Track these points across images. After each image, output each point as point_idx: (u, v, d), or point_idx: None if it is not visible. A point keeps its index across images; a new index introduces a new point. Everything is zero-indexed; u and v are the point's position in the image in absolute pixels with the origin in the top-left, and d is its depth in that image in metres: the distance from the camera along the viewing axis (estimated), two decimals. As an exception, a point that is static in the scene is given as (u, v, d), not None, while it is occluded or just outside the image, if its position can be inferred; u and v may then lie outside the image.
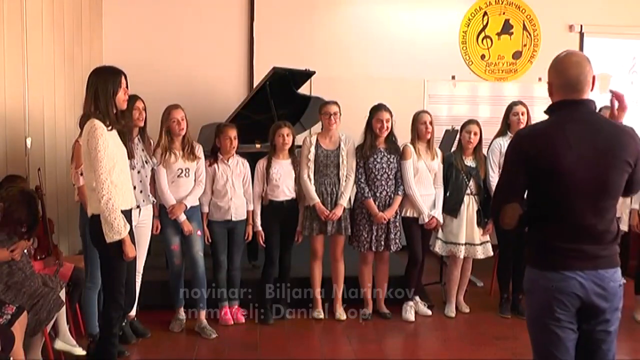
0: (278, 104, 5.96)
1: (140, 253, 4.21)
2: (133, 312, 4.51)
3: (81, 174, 3.87)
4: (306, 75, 6.29)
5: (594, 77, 2.51)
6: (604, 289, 2.47)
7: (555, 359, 2.53)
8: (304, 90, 6.48)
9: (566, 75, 2.49)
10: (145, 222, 4.37)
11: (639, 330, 5.02)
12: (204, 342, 4.59)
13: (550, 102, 2.60)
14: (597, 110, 5.76)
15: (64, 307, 3.96)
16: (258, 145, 5.76)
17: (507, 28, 7.81)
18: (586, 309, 2.48)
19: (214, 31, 7.24)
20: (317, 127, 5.54)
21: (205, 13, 7.23)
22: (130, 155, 3.95)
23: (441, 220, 5.11)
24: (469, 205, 5.16)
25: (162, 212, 4.62)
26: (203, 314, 4.77)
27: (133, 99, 4.16)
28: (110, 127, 3.42)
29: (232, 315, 4.93)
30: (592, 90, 2.53)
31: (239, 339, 4.70)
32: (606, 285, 2.47)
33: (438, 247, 5.26)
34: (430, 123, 5.08)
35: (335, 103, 5.02)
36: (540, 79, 7.80)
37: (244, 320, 4.95)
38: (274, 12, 7.32)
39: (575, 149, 2.41)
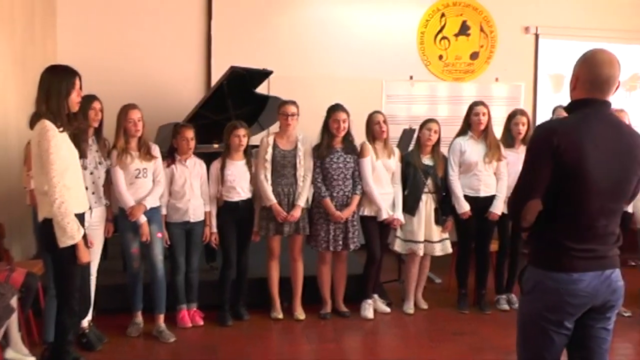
0: (236, 104, 5.93)
1: (93, 256, 4.12)
2: (89, 317, 4.42)
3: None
4: (264, 74, 6.27)
5: (618, 83, 2.48)
6: (611, 289, 2.48)
7: None
8: (261, 89, 6.45)
9: (597, 73, 2.43)
10: (97, 224, 4.29)
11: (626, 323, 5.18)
12: (162, 346, 4.54)
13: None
14: (553, 109, 5.91)
15: (15, 314, 3.86)
16: (216, 146, 5.71)
17: (464, 29, 7.90)
18: (592, 308, 2.48)
19: (172, 30, 7.16)
20: (275, 127, 5.52)
21: (162, 11, 7.14)
22: (83, 155, 3.88)
23: (402, 220, 5.16)
24: (427, 204, 5.23)
25: (120, 215, 4.54)
26: (161, 317, 4.70)
27: (90, 99, 4.10)
28: (61, 129, 3.35)
29: (191, 318, 4.88)
30: (613, 94, 2.49)
31: (197, 341, 4.66)
32: (614, 285, 2.49)
33: (397, 246, 5.31)
34: (384, 122, 5.12)
35: (294, 103, 5.01)
36: (497, 79, 7.95)
37: (202, 323, 4.91)
38: (232, 10, 7.27)
39: (600, 148, 2.38)
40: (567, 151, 2.35)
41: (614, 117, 2.54)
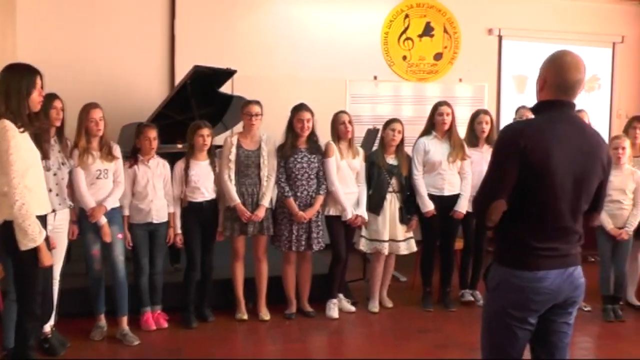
0: (200, 103, 5.89)
1: (57, 259, 4.07)
2: (52, 321, 4.32)
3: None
4: (227, 74, 6.24)
5: (584, 84, 2.53)
6: (573, 286, 2.53)
7: (508, 356, 2.58)
8: (225, 89, 6.42)
9: (566, 78, 2.48)
10: (61, 227, 4.22)
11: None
12: (126, 349, 4.47)
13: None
14: (516, 110, 6.00)
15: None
16: (180, 146, 5.66)
17: (428, 30, 7.97)
18: (555, 304, 2.53)
19: (135, 28, 7.07)
20: (239, 127, 5.51)
21: (125, 9, 7.04)
22: (46, 156, 3.81)
23: (366, 218, 5.18)
24: (392, 203, 5.26)
25: (81, 216, 4.47)
26: (124, 320, 4.63)
27: (51, 98, 4.02)
28: (22, 130, 3.28)
29: (155, 320, 4.83)
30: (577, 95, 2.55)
31: (161, 344, 4.61)
32: (576, 282, 2.54)
33: (362, 245, 5.34)
34: (350, 122, 5.15)
35: (258, 103, 5.00)
36: (460, 80, 8.04)
37: (166, 325, 4.85)
38: (196, 9, 7.21)
39: (565, 148, 2.43)
40: (533, 152, 2.39)
41: (578, 118, 2.60)
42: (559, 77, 2.49)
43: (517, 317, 2.51)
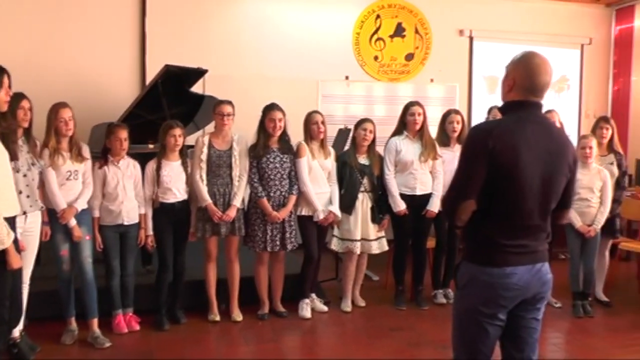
0: (171, 103, 5.83)
1: (27, 262, 4.01)
2: (20, 326, 4.23)
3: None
4: (199, 73, 6.20)
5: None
6: (541, 282, 2.57)
7: (479, 352, 2.60)
8: (197, 88, 6.38)
9: (536, 80, 2.52)
10: (32, 229, 4.13)
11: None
12: (98, 352, 4.41)
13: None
14: (489, 109, 6.05)
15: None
16: (151, 146, 5.62)
17: (399, 31, 8.01)
18: (523, 300, 2.56)
19: (105, 26, 6.96)
20: (211, 127, 5.47)
21: (95, 7, 6.93)
22: (14, 157, 3.73)
23: (339, 215, 5.19)
24: (363, 202, 5.28)
25: (51, 217, 4.41)
26: (95, 322, 4.57)
27: (18, 97, 3.94)
28: (-11, 130, 3.24)
29: (127, 323, 4.77)
30: None
31: (133, 347, 4.56)
32: (543, 278, 2.57)
33: (334, 245, 5.35)
34: (322, 123, 5.15)
35: (230, 103, 4.97)
36: (432, 80, 8.09)
37: (138, 328, 4.80)
38: (167, 7, 7.15)
39: (533, 148, 2.46)
40: (502, 153, 2.41)
41: (546, 119, 2.64)
42: (529, 79, 2.52)
43: (487, 313, 2.54)
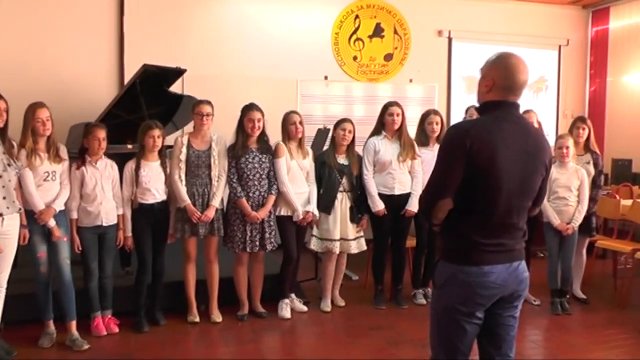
0: (149, 103, 5.81)
1: (4, 266, 4.00)
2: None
3: None
4: (177, 73, 6.17)
5: None
6: (518, 280, 2.58)
7: (457, 350, 2.61)
8: (175, 88, 6.35)
9: (516, 80, 2.53)
10: (10, 232, 4.07)
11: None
12: (76, 355, 4.36)
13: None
14: (466, 109, 6.09)
15: None
16: (130, 146, 5.57)
17: (378, 31, 8.04)
18: (501, 298, 2.57)
19: (83, 25, 6.91)
20: (190, 127, 5.45)
21: (72, 5, 6.88)
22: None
23: (317, 215, 5.19)
24: (342, 202, 5.29)
25: (28, 218, 4.33)
26: (73, 325, 4.52)
27: (-7, 97, 3.92)
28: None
29: (105, 326, 4.72)
30: None
31: (112, 350, 4.51)
32: (520, 276, 2.59)
33: (313, 244, 5.35)
34: (300, 123, 5.14)
35: (209, 103, 4.95)
36: (411, 80, 8.13)
37: (117, 330, 4.76)
38: (145, 6, 7.11)
39: (510, 147, 2.47)
40: (479, 152, 2.42)
41: (523, 119, 2.65)
42: (508, 79, 2.53)
43: (465, 312, 2.55)
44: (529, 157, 2.53)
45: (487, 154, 2.43)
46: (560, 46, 8.92)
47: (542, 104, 8.79)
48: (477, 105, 2.74)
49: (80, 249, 4.60)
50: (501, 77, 2.54)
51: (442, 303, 2.63)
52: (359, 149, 5.48)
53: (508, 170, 2.46)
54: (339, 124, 5.34)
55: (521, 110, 5.67)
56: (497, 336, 2.66)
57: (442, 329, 2.65)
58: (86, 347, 4.43)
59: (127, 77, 6.61)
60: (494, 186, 2.46)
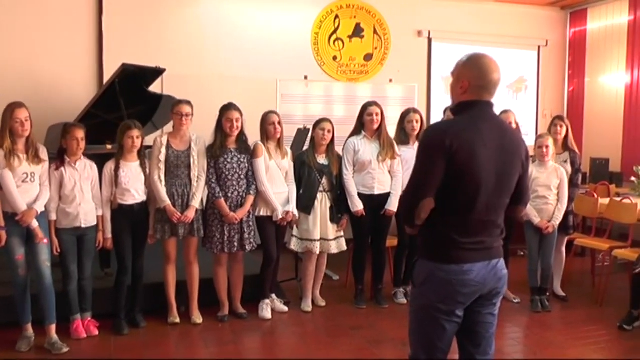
0: (129, 103, 5.77)
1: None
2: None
3: None
4: (157, 72, 6.13)
5: None
6: (497, 277, 2.61)
7: (436, 348, 2.62)
8: (155, 88, 6.31)
9: (490, 79, 2.56)
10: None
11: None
12: (55, 359, 4.32)
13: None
14: (444, 110, 6.12)
15: None
16: (109, 146, 5.52)
17: (358, 31, 8.05)
18: (480, 296, 2.59)
19: (61, 23, 6.83)
20: (169, 127, 5.42)
21: (50, 4, 6.80)
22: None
23: (296, 215, 5.19)
24: (322, 202, 5.29)
25: (6, 220, 4.27)
26: (52, 328, 4.46)
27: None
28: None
29: (85, 328, 4.68)
30: None
31: (92, 352, 4.47)
32: (499, 274, 2.61)
33: (294, 245, 5.35)
34: (279, 123, 5.14)
35: (188, 103, 4.93)
36: (391, 81, 8.15)
37: (97, 333, 4.71)
38: (124, 5, 7.05)
39: (488, 146, 2.50)
40: (458, 151, 2.44)
41: (498, 117, 2.69)
42: (483, 79, 2.56)
43: (444, 310, 2.56)
44: (507, 155, 2.56)
45: (466, 153, 2.45)
46: (539, 47, 8.99)
47: (521, 103, 8.86)
48: (451, 106, 2.77)
49: (58, 251, 4.55)
50: (476, 78, 2.57)
51: (422, 301, 2.64)
52: (339, 148, 5.49)
53: (487, 168, 2.48)
54: (317, 123, 5.34)
55: (499, 111, 5.80)
56: (476, 334, 2.67)
57: (421, 327, 2.66)
58: (65, 350, 4.39)
59: (106, 77, 6.55)
60: (474, 184, 2.48)
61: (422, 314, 2.64)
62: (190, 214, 4.84)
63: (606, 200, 6.35)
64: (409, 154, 5.40)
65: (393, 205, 5.35)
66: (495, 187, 2.52)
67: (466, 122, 2.56)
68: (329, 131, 5.27)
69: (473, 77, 2.57)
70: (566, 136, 5.79)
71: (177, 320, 4.98)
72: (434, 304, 2.57)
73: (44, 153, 4.46)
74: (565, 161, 5.71)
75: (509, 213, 2.67)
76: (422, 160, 2.57)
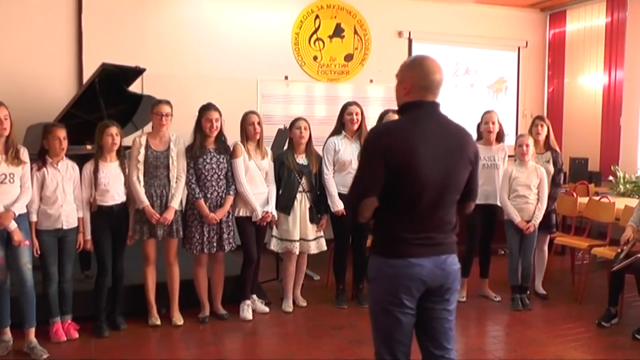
0: (109, 103, 5.74)
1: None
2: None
3: None
4: (137, 72, 6.10)
5: None
6: (446, 273, 2.64)
7: (396, 341, 2.65)
8: (135, 88, 6.27)
9: (431, 79, 2.61)
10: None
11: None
12: (34, 363, 4.28)
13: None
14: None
15: None
16: (89, 147, 5.48)
17: (338, 31, 8.06)
18: (430, 291, 2.63)
19: (39, 22, 6.76)
20: (149, 127, 5.38)
21: (29, 2, 6.72)
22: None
23: (275, 215, 5.18)
24: (302, 202, 5.29)
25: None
26: (32, 332, 4.40)
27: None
28: None
29: (65, 331, 4.63)
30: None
31: (72, 356, 4.42)
32: (448, 269, 2.65)
33: (273, 245, 5.34)
34: (259, 123, 5.12)
35: (168, 103, 4.90)
36: (371, 81, 8.16)
37: (77, 336, 4.67)
38: (104, 4, 6.99)
39: (430, 144, 2.55)
40: (398, 150, 2.52)
41: (443, 116, 2.72)
42: (426, 80, 2.62)
43: (395, 302, 2.61)
44: (451, 153, 2.61)
45: (405, 152, 2.52)
46: (519, 48, 9.06)
47: (502, 104, 8.91)
48: (392, 108, 2.83)
49: (39, 252, 4.49)
50: (418, 78, 2.64)
51: (375, 296, 2.72)
52: (319, 148, 5.49)
53: (428, 166, 2.53)
54: (293, 123, 5.34)
55: (483, 111, 5.82)
56: (433, 330, 2.72)
57: (379, 322, 2.72)
58: (45, 356, 4.32)
59: (86, 76, 6.50)
60: (415, 182, 2.54)
61: (377, 308, 2.71)
62: (169, 215, 4.81)
63: (585, 200, 6.43)
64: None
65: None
66: (440, 184, 2.57)
67: (408, 122, 2.64)
68: (305, 129, 5.27)
69: (415, 78, 2.64)
70: (547, 136, 5.83)
71: (158, 322, 4.95)
72: (385, 296, 2.63)
73: (25, 154, 4.38)
74: (548, 161, 5.76)
75: (457, 208, 2.73)
76: (363, 161, 2.68)
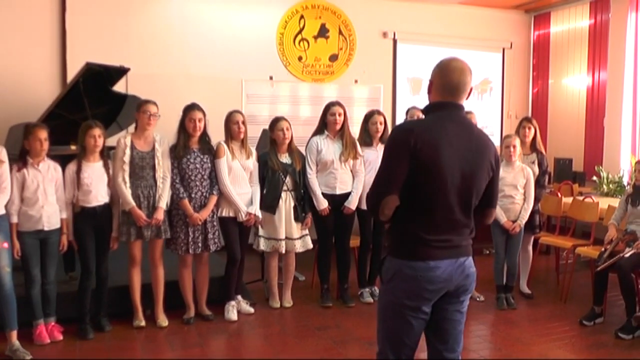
0: (93, 102, 5.70)
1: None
2: None
3: None
4: (121, 72, 6.05)
5: (471, 89, 2.67)
6: (465, 275, 2.63)
7: (403, 345, 2.65)
8: (119, 87, 6.22)
9: (449, 79, 2.61)
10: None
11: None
12: (17, 365, 4.23)
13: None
14: (407, 110, 6.17)
15: None
16: (73, 147, 5.42)
17: (323, 32, 8.05)
18: (447, 293, 2.62)
19: (23, 21, 6.68)
20: (134, 127, 5.35)
21: (11, 0, 6.66)
22: None
23: (260, 216, 5.17)
24: (286, 201, 5.29)
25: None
26: (14, 334, 4.34)
27: None
28: None
29: (49, 333, 4.58)
30: (467, 99, 2.69)
31: (56, 358, 4.38)
32: (467, 271, 2.64)
33: (262, 245, 5.34)
34: (243, 123, 5.11)
35: (154, 103, 4.88)
36: (356, 81, 8.16)
37: (61, 338, 4.63)
38: (88, 3, 6.93)
39: (454, 146, 2.54)
40: (423, 149, 2.48)
41: (466, 119, 2.72)
42: (443, 80, 2.62)
43: (411, 306, 2.59)
44: (473, 155, 2.59)
45: (430, 152, 2.49)
46: (504, 49, 9.09)
47: (487, 105, 8.95)
48: (418, 106, 2.82)
49: (19, 255, 4.43)
50: (438, 78, 2.65)
51: (389, 298, 2.67)
52: (302, 148, 5.50)
53: (451, 167, 2.52)
54: (274, 124, 5.33)
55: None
56: (444, 330, 2.70)
57: (389, 324, 2.68)
58: (28, 358, 4.28)
59: (70, 76, 6.44)
60: (438, 183, 2.51)
61: (389, 310, 2.67)
62: (160, 216, 4.79)
63: (570, 200, 6.47)
64: (371, 155, 5.45)
65: (352, 203, 5.41)
66: (461, 187, 2.56)
67: (432, 122, 2.61)
68: (287, 129, 5.27)
69: (436, 78, 2.66)
70: (534, 138, 5.88)
71: (143, 323, 4.93)
72: (401, 300, 2.60)
73: (3, 154, 4.33)
74: (533, 162, 5.80)
75: (477, 216, 2.70)
76: (387, 158, 2.62)
